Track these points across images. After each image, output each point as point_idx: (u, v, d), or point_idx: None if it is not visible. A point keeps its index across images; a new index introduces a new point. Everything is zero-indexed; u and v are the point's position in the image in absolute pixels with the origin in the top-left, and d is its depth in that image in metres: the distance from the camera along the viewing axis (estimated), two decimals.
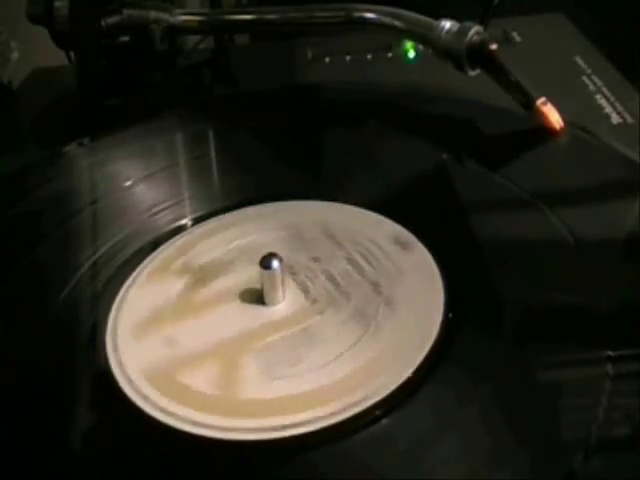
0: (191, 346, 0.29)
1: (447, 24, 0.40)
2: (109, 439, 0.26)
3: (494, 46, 0.39)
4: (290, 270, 0.32)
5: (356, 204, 0.35)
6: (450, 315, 0.29)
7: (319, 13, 0.45)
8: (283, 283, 0.30)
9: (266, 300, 0.30)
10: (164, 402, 0.27)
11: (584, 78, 0.46)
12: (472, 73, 0.40)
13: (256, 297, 0.31)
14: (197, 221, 0.36)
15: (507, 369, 0.26)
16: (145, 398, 0.27)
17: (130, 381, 0.28)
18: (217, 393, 0.27)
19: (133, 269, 0.34)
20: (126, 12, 0.47)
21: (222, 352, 0.29)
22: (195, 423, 0.26)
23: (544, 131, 0.37)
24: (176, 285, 0.32)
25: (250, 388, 0.27)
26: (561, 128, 0.37)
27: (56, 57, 0.53)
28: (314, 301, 0.30)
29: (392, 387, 0.26)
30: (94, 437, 0.26)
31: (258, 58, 0.55)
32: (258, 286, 0.31)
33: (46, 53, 0.52)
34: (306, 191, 0.37)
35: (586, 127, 0.37)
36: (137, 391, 0.27)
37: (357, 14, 0.43)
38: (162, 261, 0.34)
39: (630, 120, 0.42)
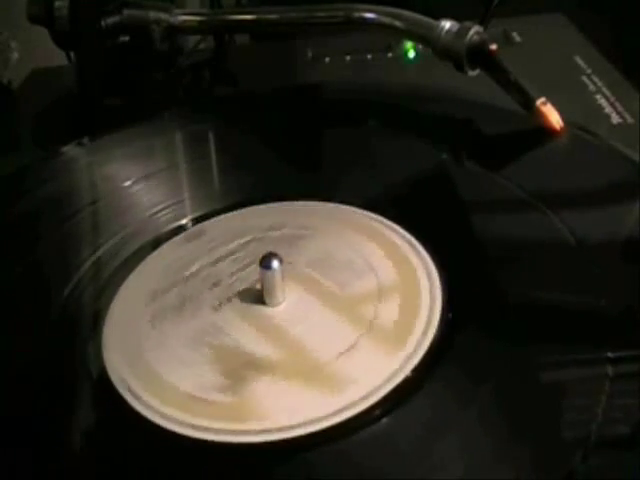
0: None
1: (447, 24, 0.40)
2: (106, 440, 0.26)
3: (494, 46, 0.39)
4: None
5: (356, 204, 0.35)
6: (450, 315, 0.29)
7: (319, 13, 0.45)
8: (283, 283, 0.30)
9: (266, 300, 0.30)
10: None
11: (584, 78, 0.46)
12: (472, 73, 0.40)
13: (256, 297, 0.31)
14: (197, 221, 0.36)
15: (507, 369, 0.26)
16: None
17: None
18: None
19: (133, 269, 0.34)
20: (126, 12, 0.47)
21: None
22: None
23: (544, 131, 0.37)
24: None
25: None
26: (561, 128, 0.37)
27: (56, 57, 0.53)
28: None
29: (391, 387, 0.26)
30: (91, 438, 0.26)
31: (258, 58, 0.55)
32: (258, 286, 0.31)
33: (46, 53, 0.52)
34: (306, 191, 0.37)
35: (586, 127, 0.37)
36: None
37: (357, 14, 0.43)
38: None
39: (630, 120, 0.42)
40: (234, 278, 0.32)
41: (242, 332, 0.29)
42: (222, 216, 0.36)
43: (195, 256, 0.34)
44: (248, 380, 0.27)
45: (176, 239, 0.35)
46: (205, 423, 0.26)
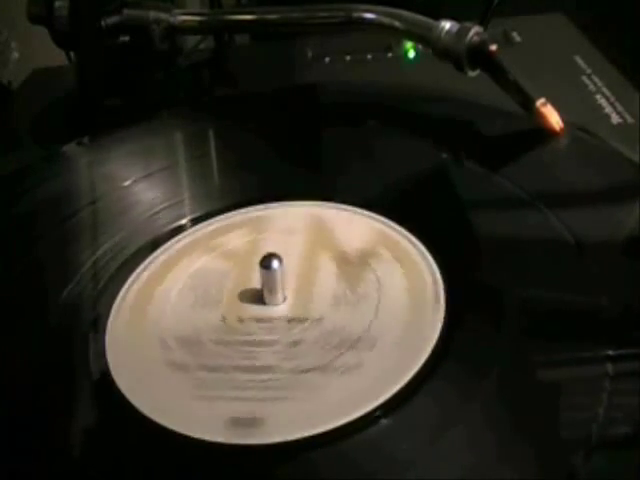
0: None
1: (447, 24, 0.40)
2: (107, 439, 0.26)
3: (494, 47, 0.39)
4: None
5: (356, 204, 0.35)
6: (450, 314, 0.29)
7: (319, 13, 0.45)
8: (283, 283, 0.30)
9: (266, 300, 0.30)
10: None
11: (584, 78, 0.46)
12: (472, 74, 0.40)
13: (256, 297, 0.31)
14: (197, 221, 0.36)
15: (508, 369, 0.26)
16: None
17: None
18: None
19: (133, 269, 0.34)
20: (126, 12, 0.47)
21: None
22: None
23: (544, 131, 0.37)
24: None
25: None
26: (561, 129, 0.37)
27: (56, 57, 0.53)
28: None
29: (394, 388, 0.26)
30: (91, 439, 0.26)
31: (258, 58, 0.55)
32: (258, 286, 0.31)
33: (46, 53, 0.52)
34: (305, 191, 0.37)
35: (586, 127, 0.37)
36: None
37: (357, 14, 0.43)
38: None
39: (630, 120, 0.42)
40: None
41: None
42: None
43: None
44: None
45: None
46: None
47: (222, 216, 0.36)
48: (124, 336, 0.30)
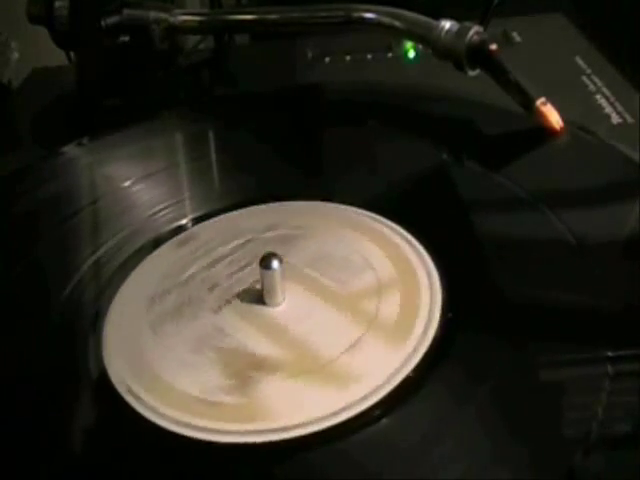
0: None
1: (447, 24, 0.40)
2: (105, 441, 0.26)
3: (494, 46, 0.39)
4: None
5: (356, 204, 0.35)
6: (450, 314, 0.29)
7: (319, 13, 0.45)
8: (283, 283, 0.30)
9: (266, 300, 0.30)
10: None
11: (584, 78, 0.46)
12: (472, 73, 0.40)
13: (256, 297, 0.31)
14: (197, 221, 0.36)
15: (507, 368, 0.26)
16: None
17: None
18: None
19: (133, 269, 0.34)
20: (126, 12, 0.47)
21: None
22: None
23: (544, 131, 0.37)
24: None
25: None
26: (561, 128, 0.37)
27: (56, 57, 0.53)
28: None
29: (391, 387, 0.26)
30: (91, 439, 0.26)
31: (258, 58, 0.55)
32: (258, 286, 0.31)
33: (46, 53, 0.52)
34: (305, 191, 0.37)
35: (586, 127, 0.37)
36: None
37: (356, 14, 0.43)
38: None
39: (630, 120, 0.42)
40: (232, 280, 0.32)
41: (244, 333, 0.29)
42: (214, 219, 0.36)
43: (190, 260, 0.34)
44: (255, 380, 0.27)
45: (169, 243, 0.35)
46: (213, 425, 0.26)
47: (221, 216, 0.36)
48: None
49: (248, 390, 0.27)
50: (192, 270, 0.33)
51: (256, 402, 0.26)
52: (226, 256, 0.34)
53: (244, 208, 0.36)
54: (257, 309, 0.30)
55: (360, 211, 0.35)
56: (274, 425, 0.25)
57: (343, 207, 0.36)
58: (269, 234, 0.34)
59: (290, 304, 0.30)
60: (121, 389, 0.28)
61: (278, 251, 0.30)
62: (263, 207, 0.36)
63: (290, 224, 0.35)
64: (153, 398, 0.27)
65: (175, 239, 0.35)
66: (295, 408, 0.26)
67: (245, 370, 0.28)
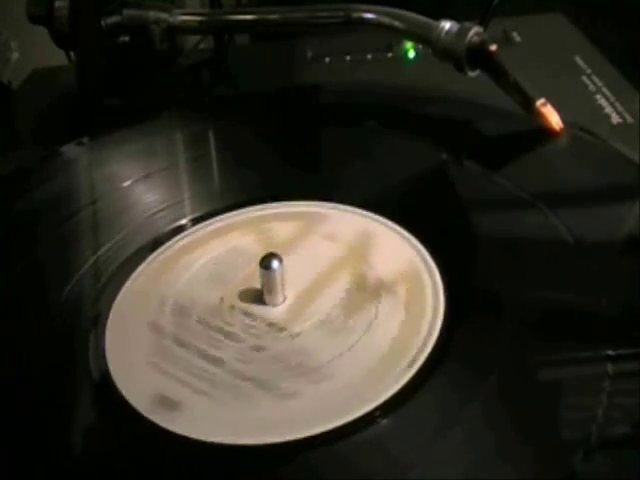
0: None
1: (447, 25, 0.40)
2: (106, 440, 0.26)
3: (494, 47, 0.39)
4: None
5: (356, 204, 0.35)
6: (450, 314, 0.29)
7: (319, 13, 0.45)
8: (283, 283, 0.30)
9: (266, 300, 0.30)
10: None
11: (584, 78, 0.46)
12: (472, 74, 0.40)
13: (256, 297, 0.31)
14: (197, 221, 0.36)
15: (507, 369, 0.26)
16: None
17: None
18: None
19: (133, 269, 0.34)
20: (126, 12, 0.47)
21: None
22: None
23: (544, 131, 0.37)
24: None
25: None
26: (560, 129, 0.37)
27: (56, 57, 0.53)
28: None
29: (393, 389, 0.26)
30: (91, 439, 0.26)
31: (258, 58, 0.55)
32: (258, 286, 0.31)
33: (46, 53, 0.52)
34: (305, 191, 0.37)
35: (586, 127, 0.37)
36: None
37: (356, 14, 0.43)
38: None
39: (630, 120, 0.42)
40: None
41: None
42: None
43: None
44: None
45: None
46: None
47: (221, 216, 0.36)
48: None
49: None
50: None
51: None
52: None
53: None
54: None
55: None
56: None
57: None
58: None
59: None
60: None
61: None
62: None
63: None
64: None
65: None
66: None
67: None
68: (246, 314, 0.30)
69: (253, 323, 0.30)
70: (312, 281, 0.32)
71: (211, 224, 0.36)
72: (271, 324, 0.30)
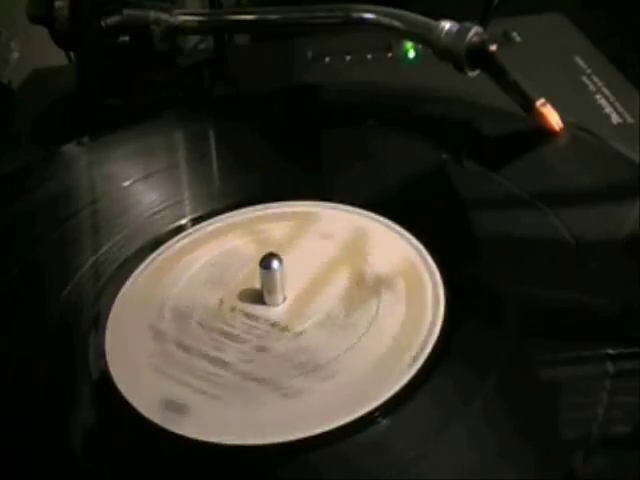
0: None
1: (447, 25, 0.40)
2: (106, 440, 0.26)
3: (493, 47, 0.39)
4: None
5: (356, 204, 0.35)
6: (450, 314, 0.29)
7: (319, 13, 0.45)
8: (283, 283, 0.30)
9: (266, 300, 0.30)
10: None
11: (584, 78, 0.46)
12: (471, 74, 0.40)
13: (256, 297, 0.31)
14: (197, 221, 0.36)
15: (507, 368, 0.26)
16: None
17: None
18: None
19: (133, 269, 0.34)
20: (126, 12, 0.47)
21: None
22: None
23: (544, 131, 0.37)
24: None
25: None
26: (560, 129, 0.37)
27: (56, 57, 0.53)
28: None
29: (393, 388, 0.26)
30: (91, 439, 0.26)
31: (258, 58, 0.55)
32: (258, 286, 0.31)
33: (46, 53, 0.52)
34: (305, 191, 0.37)
35: (586, 127, 0.37)
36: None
37: (356, 14, 0.43)
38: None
39: (630, 120, 0.42)
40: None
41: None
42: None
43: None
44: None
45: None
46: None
47: (221, 216, 0.36)
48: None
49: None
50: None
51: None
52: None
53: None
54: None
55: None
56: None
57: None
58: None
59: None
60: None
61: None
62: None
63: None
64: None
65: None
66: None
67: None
68: (247, 315, 0.30)
69: (254, 324, 0.30)
70: (312, 280, 0.32)
71: (211, 224, 0.36)
72: (274, 324, 0.30)
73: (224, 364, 0.28)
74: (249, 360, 0.28)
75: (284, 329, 0.29)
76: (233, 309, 0.31)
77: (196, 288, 0.32)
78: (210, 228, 0.36)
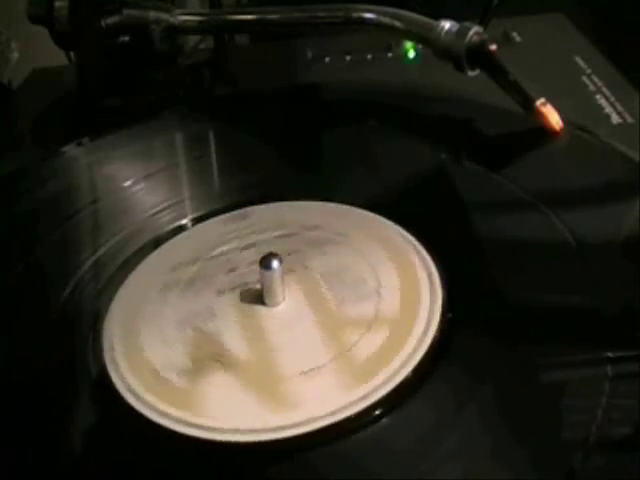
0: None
1: (446, 24, 0.40)
2: (106, 440, 0.26)
3: (493, 47, 0.39)
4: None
5: (356, 204, 0.35)
6: (450, 315, 0.29)
7: (319, 13, 0.45)
8: (283, 283, 0.30)
9: (266, 300, 0.30)
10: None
11: (584, 78, 0.46)
12: (471, 74, 0.40)
13: (256, 297, 0.31)
14: (197, 221, 0.36)
15: (507, 369, 0.26)
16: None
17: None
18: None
19: (133, 269, 0.34)
20: (126, 12, 0.47)
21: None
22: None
23: (544, 131, 0.37)
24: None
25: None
26: (560, 129, 0.37)
27: (56, 57, 0.53)
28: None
29: (390, 387, 0.26)
30: (91, 438, 0.26)
31: (258, 58, 0.55)
32: (258, 286, 0.31)
33: (46, 53, 0.52)
34: (305, 191, 0.37)
35: (586, 127, 0.37)
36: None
37: (356, 14, 0.43)
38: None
39: (630, 120, 0.42)
40: (251, 268, 0.32)
41: (228, 323, 0.30)
42: (271, 204, 0.37)
43: (229, 238, 0.34)
44: (208, 371, 0.27)
45: (222, 217, 0.36)
46: (154, 401, 0.27)
47: (221, 216, 0.36)
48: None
49: (197, 378, 0.27)
50: (223, 248, 0.34)
51: (196, 392, 0.27)
52: (261, 244, 0.34)
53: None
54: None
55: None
56: (199, 420, 0.26)
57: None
58: (311, 233, 0.34)
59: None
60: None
61: (305, 252, 0.32)
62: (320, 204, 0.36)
63: (330, 228, 0.34)
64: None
65: (230, 214, 0.36)
66: (225, 412, 0.26)
67: (206, 358, 0.28)
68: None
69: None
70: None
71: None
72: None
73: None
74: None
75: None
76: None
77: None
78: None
